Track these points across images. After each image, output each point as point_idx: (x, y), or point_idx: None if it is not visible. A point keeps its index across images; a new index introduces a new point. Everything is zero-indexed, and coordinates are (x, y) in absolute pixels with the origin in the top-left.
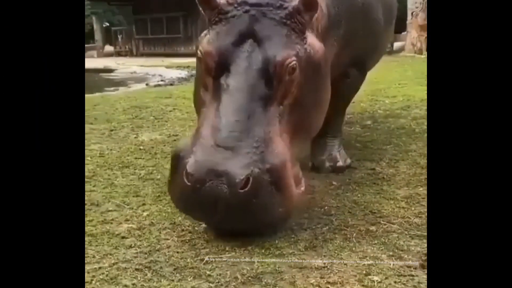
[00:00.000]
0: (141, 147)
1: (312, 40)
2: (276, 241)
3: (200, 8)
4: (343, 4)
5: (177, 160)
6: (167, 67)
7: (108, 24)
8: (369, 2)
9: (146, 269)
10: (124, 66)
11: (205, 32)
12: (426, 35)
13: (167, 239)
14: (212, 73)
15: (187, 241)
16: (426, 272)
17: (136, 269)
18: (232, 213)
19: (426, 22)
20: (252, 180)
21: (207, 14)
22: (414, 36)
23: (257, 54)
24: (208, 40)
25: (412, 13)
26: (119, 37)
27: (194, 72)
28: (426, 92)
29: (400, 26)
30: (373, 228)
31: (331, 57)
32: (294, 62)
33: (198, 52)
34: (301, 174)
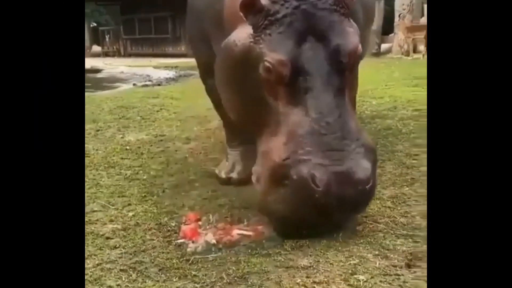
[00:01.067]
0: (127, 147)
1: (352, 22)
2: (263, 241)
3: (242, 15)
4: None
5: (285, 171)
6: (155, 67)
7: (95, 24)
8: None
9: (130, 269)
10: (112, 66)
11: (249, 38)
12: (413, 37)
13: (153, 240)
14: (286, 81)
15: (173, 241)
16: (411, 271)
17: (121, 270)
18: (359, 208)
19: (413, 24)
20: (371, 175)
21: (251, 19)
22: (401, 38)
23: (326, 48)
24: (271, 48)
25: (399, 15)
26: (107, 37)
27: (182, 72)
28: (412, 93)
29: (388, 28)
30: (359, 227)
31: None
32: (360, 47)
33: (265, 63)
34: None
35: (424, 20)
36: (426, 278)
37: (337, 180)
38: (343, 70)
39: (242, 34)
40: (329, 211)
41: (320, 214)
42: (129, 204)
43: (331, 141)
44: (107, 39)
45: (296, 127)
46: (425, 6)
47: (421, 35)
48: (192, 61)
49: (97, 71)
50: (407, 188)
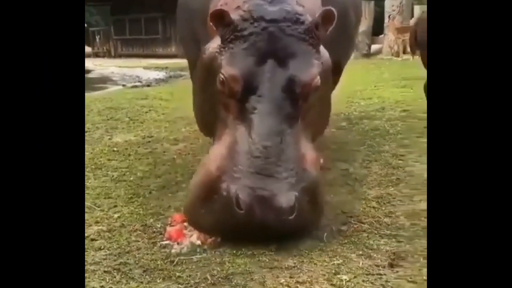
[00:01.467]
0: (115, 149)
1: (323, 51)
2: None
3: (212, 24)
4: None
5: (216, 184)
6: (145, 68)
7: (85, 25)
8: (344, 5)
9: (115, 271)
10: (101, 67)
11: (216, 49)
12: (403, 38)
13: (138, 241)
14: (237, 96)
15: (158, 242)
16: (394, 270)
17: (105, 271)
18: (280, 236)
19: (403, 25)
20: (297, 206)
21: (220, 31)
22: (392, 38)
23: (282, 74)
24: (229, 62)
25: (389, 16)
26: (97, 37)
27: (172, 73)
28: (400, 94)
29: (378, 29)
30: (344, 227)
31: None
32: (318, 80)
33: (220, 75)
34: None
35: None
36: (408, 278)
37: (260, 205)
38: (296, 99)
39: (213, 43)
40: (249, 233)
41: (242, 234)
42: (115, 206)
43: (264, 166)
44: (97, 40)
45: (236, 144)
46: (416, 7)
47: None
48: (182, 61)
49: (87, 71)
50: (392, 189)
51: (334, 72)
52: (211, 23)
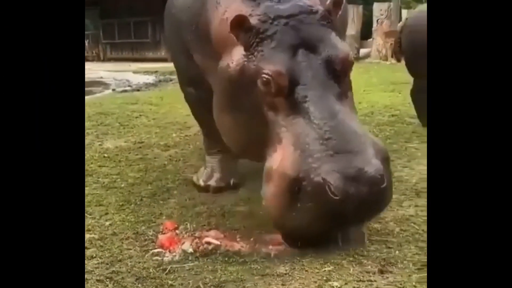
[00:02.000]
0: (106, 155)
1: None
2: (239, 249)
3: (233, 34)
4: None
5: (299, 184)
6: (135, 72)
7: None
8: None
9: (107, 280)
10: (91, 71)
11: (242, 57)
12: (391, 42)
13: (130, 249)
14: (285, 91)
15: (150, 250)
16: (384, 276)
17: (97, 280)
18: (376, 209)
19: (391, 29)
20: (384, 174)
21: (242, 39)
22: (380, 42)
23: (319, 58)
24: (266, 62)
25: (377, 21)
26: (86, 41)
27: (162, 77)
28: (389, 98)
29: (366, 33)
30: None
31: None
32: (351, 54)
33: (263, 76)
34: None
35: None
36: (398, 284)
37: (352, 184)
38: (338, 76)
39: (234, 55)
40: (348, 217)
41: (339, 222)
42: (106, 213)
43: (339, 144)
44: (86, 44)
45: (301, 136)
46: (404, 11)
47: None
48: (171, 65)
49: None
50: None
51: None
52: (231, 33)
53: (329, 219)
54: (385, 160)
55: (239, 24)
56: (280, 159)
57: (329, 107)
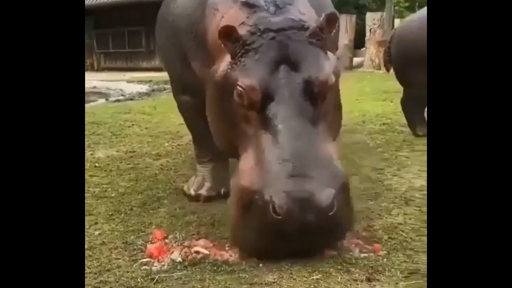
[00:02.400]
0: (97, 164)
1: (330, 54)
2: (228, 258)
3: (221, 42)
4: None
5: (251, 198)
6: (128, 81)
7: None
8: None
9: None
10: (85, 81)
11: (227, 65)
12: (383, 51)
13: (118, 259)
14: (257, 106)
15: (139, 260)
16: (371, 284)
17: None
18: (323, 236)
19: (384, 38)
20: (335, 202)
21: (229, 47)
22: (373, 52)
23: (298, 77)
24: (244, 74)
25: (370, 30)
26: None
27: (155, 86)
28: (381, 107)
29: (360, 42)
30: None
31: None
32: (332, 77)
33: (238, 88)
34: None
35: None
36: None
37: (298, 207)
38: (315, 99)
39: (223, 62)
40: (291, 239)
41: (282, 242)
42: (96, 223)
43: (296, 167)
44: None
45: (264, 153)
46: (396, 20)
47: None
48: (165, 75)
49: None
50: (371, 203)
51: None
52: (219, 41)
53: (272, 237)
54: (342, 188)
55: (227, 34)
56: (243, 169)
57: (297, 129)
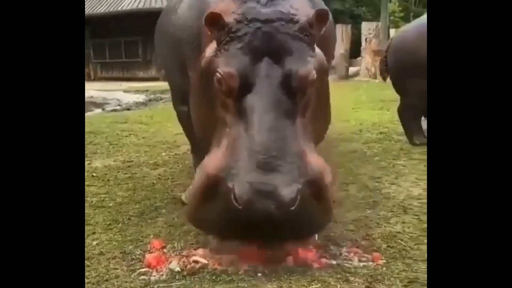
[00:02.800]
0: (94, 174)
1: (318, 51)
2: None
3: (207, 29)
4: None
5: (216, 183)
6: (125, 91)
7: None
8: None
9: None
10: None
11: (212, 52)
12: (379, 60)
13: (116, 269)
14: (235, 94)
15: (137, 270)
16: None
17: None
18: (283, 230)
19: (379, 48)
20: (299, 197)
21: (216, 35)
22: (369, 61)
23: (279, 70)
24: (225, 61)
25: (366, 39)
26: None
27: (152, 96)
28: (377, 116)
29: (355, 52)
30: (321, 251)
31: None
32: (314, 74)
33: (217, 74)
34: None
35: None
36: None
37: (259, 199)
38: (293, 94)
39: (209, 49)
40: (250, 228)
41: (242, 229)
42: (94, 233)
43: (264, 160)
44: None
45: (236, 142)
46: (392, 30)
47: None
48: (162, 84)
49: None
50: (369, 211)
51: None
52: (206, 28)
53: (230, 226)
54: (311, 185)
55: (213, 21)
56: (213, 155)
57: (271, 122)
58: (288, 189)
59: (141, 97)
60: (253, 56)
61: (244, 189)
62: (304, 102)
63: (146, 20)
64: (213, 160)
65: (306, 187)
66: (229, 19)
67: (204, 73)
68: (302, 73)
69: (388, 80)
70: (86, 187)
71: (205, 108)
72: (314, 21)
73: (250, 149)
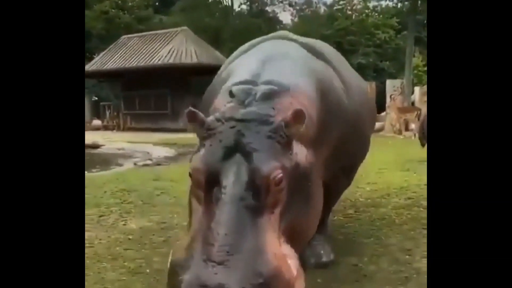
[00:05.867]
0: (130, 237)
1: (299, 149)
2: None
3: (190, 125)
4: (334, 111)
5: (174, 276)
6: (155, 144)
7: (96, 98)
8: (358, 110)
9: None
10: (111, 141)
11: (196, 148)
12: (404, 117)
13: None
14: (203, 188)
15: None
16: None
17: None
18: None
19: (404, 105)
20: None
21: (198, 131)
22: (394, 117)
23: (244, 167)
24: (198, 157)
25: (390, 96)
26: (107, 111)
27: (181, 150)
28: (405, 179)
29: (379, 107)
30: None
31: (321, 162)
32: (280, 173)
33: (189, 169)
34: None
35: (413, 98)
36: None
37: None
38: (258, 190)
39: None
40: None
41: None
42: None
43: (216, 253)
44: (107, 113)
45: (197, 233)
46: (416, 88)
47: (412, 115)
48: (189, 136)
49: (97, 146)
50: (402, 287)
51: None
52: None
53: None
54: (264, 284)
55: (192, 118)
56: (177, 246)
57: (231, 215)
58: (236, 286)
59: (170, 152)
60: (225, 153)
61: (188, 284)
62: (271, 199)
63: (174, 74)
64: (176, 250)
65: (258, 286)
66: (210, 117)
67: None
68: (265, 172)
69: (413, 137)
70: (123, 250)
71: (189, 197)
72: (291, 121)
73: (206, 240)
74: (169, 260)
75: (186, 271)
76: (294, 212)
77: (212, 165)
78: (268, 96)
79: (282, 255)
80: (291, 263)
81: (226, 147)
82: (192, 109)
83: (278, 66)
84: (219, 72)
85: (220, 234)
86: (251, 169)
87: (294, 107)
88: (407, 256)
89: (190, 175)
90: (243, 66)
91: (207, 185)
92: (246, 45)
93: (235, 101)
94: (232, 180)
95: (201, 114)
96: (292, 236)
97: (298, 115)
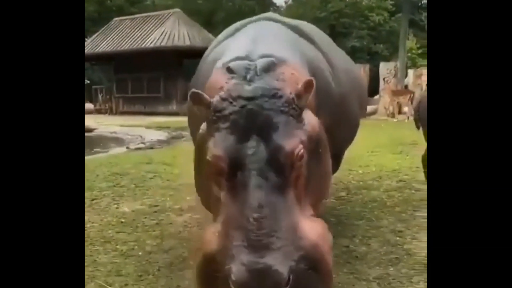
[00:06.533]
0: (123, 220)
1: (310, 118)
2: None
3: (196, 108)
4: (321, 94)
5: (215, 266)
6: (147, 127)
7: (88, 82)
8: (346, 94)
9: None
10: (103, 125)
11: (204, 128)
12: (397, 100)
13: None
14: (225, 174)
15: None
16: None
17: None
18: None
19: (398, 87)
20: (292, 275)
21: (203, 113)
22: (387, 100)
23: (266, 147)
24: (214, 142)
25: (384, 79)
26: (99, 95)
27: (174, 133)
28: (397, 161)
29: (373, 90)
30: None
31: None
32: (301, 147)
33: (207, 157)
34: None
35: (407, 81)
36: None
37: (253, 280)
38: (282, 169)
39: (204, 124)
40: None
41: None
42: (126, 284)
43: (257, 238)
44: (99, 97)
45: (229, 220)
46: (410, 71)
47: (405, 99)
48: (182, 120)
49: (90, 130)
50: (392, 268)
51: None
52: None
53: None
54: (306, 259)
55: (197, 101)
56: (210, 235)
57: (261, 198)
58: (280, 269)
59: (163, 135)
60: (241, 135)
61: (239, 272)
62: (295, 175)
63: (167, 57)
64: (211, 239)
65: (300, 262)
66: (215, 96)
67: (199, 148)
68: (288, 149)
69: (406, 120)
70: (115, 233)
71: (203, 181)
72: (302, 92)
73: (243, 227)
74: (201, 251)
75: (231, 260)
76: (312, 179)
77: (232, 150)
78: (269, 68)
79: (313, 224)
80: (320, 227)
81: (242, 129)
82: (196, 90)
83: (269, 44)
84: (204, 56)
85: (256, 219)
86: (273, 148)
87: (296, 77)
88: (398, 238)
89: (209, 163)
90: (233, 45)
91: (230, 170)
92: (232, 27)
93: (237, 77)
94: (256, 163)
95: (206, 96)
96: (313, 202)
97: (309, 85)
